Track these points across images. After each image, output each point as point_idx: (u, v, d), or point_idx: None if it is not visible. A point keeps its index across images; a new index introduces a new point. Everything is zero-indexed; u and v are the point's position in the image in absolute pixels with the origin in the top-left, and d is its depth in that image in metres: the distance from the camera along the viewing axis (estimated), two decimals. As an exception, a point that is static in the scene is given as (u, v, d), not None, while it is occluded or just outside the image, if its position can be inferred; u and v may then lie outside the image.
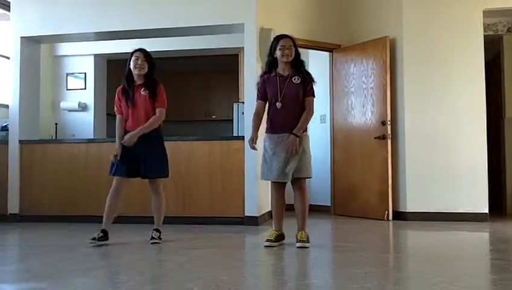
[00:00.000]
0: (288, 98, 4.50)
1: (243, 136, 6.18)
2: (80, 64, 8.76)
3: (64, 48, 8.68)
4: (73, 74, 8.79)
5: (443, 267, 3.75)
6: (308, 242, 4.46)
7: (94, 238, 4.58)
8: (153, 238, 4.76)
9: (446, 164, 6.44)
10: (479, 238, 5.44)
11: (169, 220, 6.03)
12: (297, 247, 4.41)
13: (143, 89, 4.73)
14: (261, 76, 4.73)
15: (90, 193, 6.37)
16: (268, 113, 4.63)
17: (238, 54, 8.11)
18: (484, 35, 6.54)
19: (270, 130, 4.58)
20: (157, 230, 4.84)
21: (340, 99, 7.24)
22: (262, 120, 4.68)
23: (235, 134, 7.79)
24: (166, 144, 6.35)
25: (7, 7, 7.21)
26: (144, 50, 4.81)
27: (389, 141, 6.54)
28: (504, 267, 3.81)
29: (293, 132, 4.46)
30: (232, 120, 8.46)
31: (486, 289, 3.25)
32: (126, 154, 4.69)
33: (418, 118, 6.54)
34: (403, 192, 6.54)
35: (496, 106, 7.59)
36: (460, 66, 6.49)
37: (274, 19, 6.65)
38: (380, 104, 6.66)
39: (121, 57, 6.68)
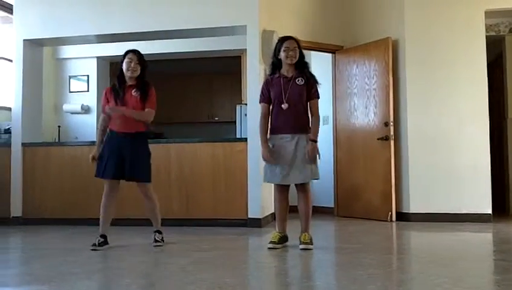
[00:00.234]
0: (292, 99, 4.49)
1: (246, 138, 6.18)
2: (83, 66, 8.77)
3: (67, 51, 8.69)
4: (75, 76, 8.81)
5: (446, 268, 3.74)
6: (312, 244, 4.45)
7: (94, 244, 4.57)
8: (156, 241, 4.76)
9: (449, 164, 6.43)
10: (483, 239, 5.43)
11: (172, 222, 6.05)
12: (301, 249, 4.41)
13: (134, 90, 4.69)
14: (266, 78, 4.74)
15: (92, 195, 6.33)
16: (271, 115, 4.62)
17: (240, 56, 8.11)
18: (486, 36, 6.53)
19: (273, 131, 4.58)
20: (159, 232, 4.83)
21: (342, 101, 7.23)
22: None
23: (238, 136, 7.79)
24: (170, 146, 6.38)
25: (10, 10, 7.22)
26: (137, 52, 4.75)
27: (392, 142, 6.53)
28: (507, 268, 3.80)
29: (311, 138, 4.48)
30: (235, 122, 8.46)
31: (490, 290, 3.25)
32: (114, 156, 4.62)
33: (420, 119, 6.53)
34: (406, 193, 6.53)
35: (499, 106, 7.57)
36: (463, 66, 6.48)
37: (276, 20, 6.65)
38: (382, 105, 6.65)
39: (123, 59, 6.67)
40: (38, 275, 3.67)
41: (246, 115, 6.72)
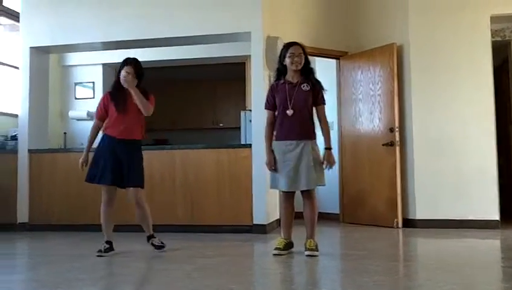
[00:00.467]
0: (297, 105, 4.49)
1: (250, 144, 6.19)
2: (88, 73, 8.81)
3: (73, 58, 8.73)
4: (81, 83, 8.85)
5: (454, 275, 3.72)
6: (317, 250, 4.44)
7: (100, 251, 4.58)
8: (156, 247, 4.73)
9: (455, 170, 6.40)
10: (490, 245, 5.41)
11: (177, 229, 6.08)
12: (306, 255, 4.39)
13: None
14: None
15: (99, 201, 6.31)
16: (276, 121, 4.62)
17: (245, 62, 8.12)
18: (492, 41, 6.51)
19: (279, 137, 4.57)
20: (153, 236, 4.78)
21: (347, 107, 7.23)
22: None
23: (242, 142, 7.78)
24: (174, 152, 6.38)
25: (16, 18, 7.27)
26: (134, 63, 4.69)
27: (397, 148, 6.51)
28: (515, 275, 3.78)
29: (326, 146, 4.52)
30: (239, 128, 8.46)
31: (497, 297, 3.23)
32: (111, 161, 4.61)
33: (426, 124, 6.52)
34: (412, 199, 6.51)
35: (505, 111, 7.55)
36: (468, 72, 6.47)
37: (281, 27, 6.66)
38: (387, 110, 6.64)
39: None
40: (44, 281, 3.68)
41: (250, 121, 6.72)
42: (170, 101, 10.28)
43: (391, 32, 6.80)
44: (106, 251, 4.59)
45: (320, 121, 4.60)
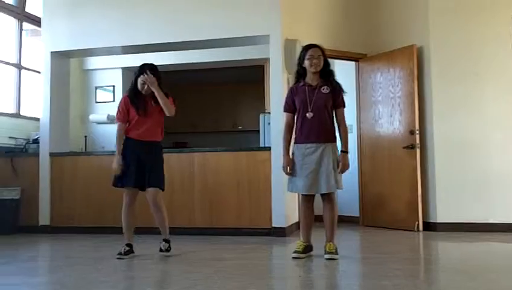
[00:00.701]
0: (317, 108, 4.48)
1: (270, 147, 6.19)
2: (109, 77, 8.91)
3: (93, 62, 8.84)
4: (102, 87, 8.95)
5: (475, 280, 3.69)
6: (337, 254, 4.43)
7: (120, 253, 4.61)
8: (162, 250, 4.72)
9: (477, 173, 6.34)
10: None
11: (195, 231, 6.10)
12: (326, 258, 4.38)
13: (154, 101, 4.73)
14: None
15: (119, 204, 6.36)
16: (296, 124, 4.61)
17: (263, 65, 8.13)
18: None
19: (298, 140, 4.56)
20: (166, 241, 4.79)
21: (367, 109, 7.19)
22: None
23: (261, 145, 7.80)
24: (193, 155, 6.41)
25: (38, 23, 7.37)
26: (151, 68, 4.72)
27: (418, 151, 6.46)
28: (538, 279, 3.73)
29: (343, 149, 4.49)
30: (258, 131, 8.48)
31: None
32: (134, 164, 4.65)
33: (447, 127, 6.46)
34: (432, 202, 6.45)
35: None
36: (490, 73, 6.40)
37: (299, 29, 6.65)
38: (407, 113, 6.60)
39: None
40: (66, 283, 3.72)
41: (269, 123, 6.73)
42: (189, 104, 10.32)
43: (411, 34, 6.76)
44: (126, 253, 4.63)
45: (338, 124, 4.58)
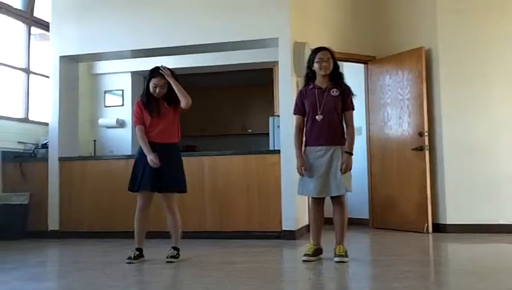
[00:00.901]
0: (326, 111, 4.47)
1: (279, 150, 6.18)
2: (118, 81, 8.92)
3: (102, 66, 8.85)
4: (111, 91, 8.96)
5: (485, 281, 3.67)
6: (347, 257, 4.41)
7: (130, 258, 4.59)
8: (170, 256, 4.64)
9: (486, 174, 6.32)
10: (523, 251, 5.31)
11: (206, 235, 6.10)
12: (336, 261, 4.36)
13: (166, 102, 4.72)
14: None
15: (129, 208, 6.36)
16: (306, 126, 4.60)
17: (272, 68, 8.13)
18: (523, 43, 6.43)
19: (309, 143, 4.56)
20: (175, 248, 4.72)
21: (376, 111, 7.18)
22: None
23: (271, 148, 7.78)
24: (203, 158, 6.41)
25: (46, 28, 7.41)
26: (161, 72, 4.71)
27: (427, 152, 6.44)
28: (550, 282, 3.70)
29: (347, 150, 4.47)
30: (268, 134, 8.47)
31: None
32: (149, 167, 4.60)
33: (456, 129, 6.44)
34: (442, 204, 6.43)
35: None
36: (499, 75, 6.39)
37: (308, 32, 6.65)
38: (416, 115, 6.58)
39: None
40: (75, 288, 3.73)
41: (278, 126, 6.72)
42: (199, 108, 10.26)
43: (419, 36, 6.75)
44: (136, 257, 4.62)
45: (346, 126, 4.57)
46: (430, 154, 6.47)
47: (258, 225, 6.17)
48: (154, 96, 4.72)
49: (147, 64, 8.19)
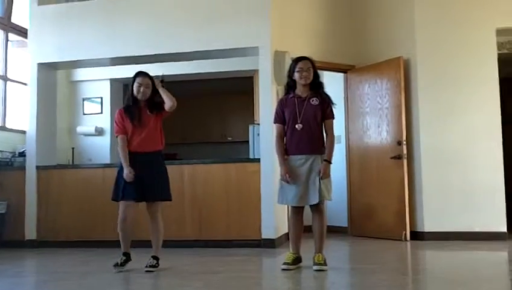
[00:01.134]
0: (306, 120, 4.49)
1: (259, 159, 6.18)
2: (96, 89, 8.86)
3: (81, 73, 8.79)
4: (89, 98, 8.90)
5: (463, 288, 3.70)
6: (326, 265, 4.42)
7: (117, 264, 4.53)
8: (150, 266, 4.57)
9: (463, 182, 6.40)
10: (499, 257, 5.38)
11: (185, 244, 6.06)
12: (315, 270, 4.37)
13: (148, 109, 4.70)
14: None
15: (107, 217, 6.33)
16: (286, 135, 4.61)
17: (253, 76, 8.15)
18: (498, 54, 6.52)
19: (289, 151, 4.56)
20: (154, 257, 4.66)
21: (355, 120, 7.23)
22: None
23: (251, 156, 7.78)
24: (182, 167, 6.38)
25: (25, 34, 7.33)
26: (147, 74, 4.73)
27: (405, 161, 6.50)
28: (526, 289, 3.75)
29: (326, 158, 4.48)
30: (247, 141, 8.47)
31: (508, 312, 3.20)
32: (134, 177, 4.55)
33: (433, 137, 6.52)
34: (420, 212, 6.49)
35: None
36: (475, 84, 6.48)
37: (288, 41, 6.68)
38: (395, 124, 6.64)
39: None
40: (53, 299, 3.68)
41: (258, 134, 6.73)
42: (179, 116, 10.22)
43: (398, 46, 6.82)
44: (123, 263, 4.55)
45: (326, 135, 4.59)
46: (408, 162, 6.54)
47: (237, 233, 6.16)
48: (137, 102, 4.69)
49: (126, 71, 8.17)
